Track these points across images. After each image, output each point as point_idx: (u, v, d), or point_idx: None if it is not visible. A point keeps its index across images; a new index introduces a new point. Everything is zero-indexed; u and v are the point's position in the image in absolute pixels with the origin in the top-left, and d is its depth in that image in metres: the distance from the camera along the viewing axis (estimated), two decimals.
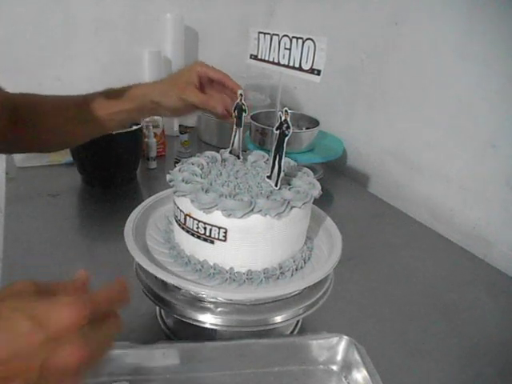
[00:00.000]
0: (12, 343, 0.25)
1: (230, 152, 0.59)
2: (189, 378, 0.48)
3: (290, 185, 0.52)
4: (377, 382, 0.45)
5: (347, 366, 0.49)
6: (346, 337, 0.50)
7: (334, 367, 0.50)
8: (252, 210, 0.46)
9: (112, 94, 0.61)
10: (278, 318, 0.48)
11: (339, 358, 0.50)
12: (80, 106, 0.62)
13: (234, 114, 0.57)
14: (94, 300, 0.29)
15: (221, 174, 0.54)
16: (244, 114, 0.56)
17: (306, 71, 0.45)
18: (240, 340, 0.48)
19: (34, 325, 0.25)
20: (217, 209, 0.46)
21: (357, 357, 0.48)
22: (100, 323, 0.29)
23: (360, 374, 0.47)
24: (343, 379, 0.49)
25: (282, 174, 0.49)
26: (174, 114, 0.63)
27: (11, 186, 0.95)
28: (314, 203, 0.54)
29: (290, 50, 0.47)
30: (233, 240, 0.47)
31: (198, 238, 0.49)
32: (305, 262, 0.54)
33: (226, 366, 0.48)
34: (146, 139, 1.04)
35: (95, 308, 0.28)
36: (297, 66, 0.46)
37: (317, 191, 0.52)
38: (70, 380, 0.27)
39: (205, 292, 0.46)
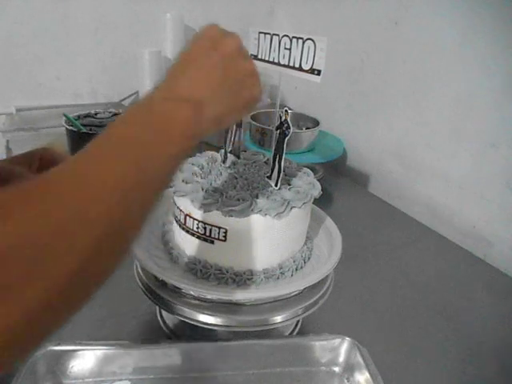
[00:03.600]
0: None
1: (230, 152, 0.59)
2: (190, 377, 0.48)
3: (290, 185, 0.52)
4: None
5: (349, 368, 0.49)
6: (348, 338, 0.50)
7: (337, 369, 0.50)
8: (252, 210, 0.46)
9: None
10: (278, 318, 0.48)
11: (341, 359, 0.50)
12: None
13: None
14: None
15: (221, 173, 0.54)
16: None
17: (306, 71, 0.45)
18: (242, 340, 0.48)
19: (209, 46, 0.36)
20: (217, 209, 0.46)
21: (359, 359, 0.48)
22: None
23: (362, 376, 0.47)
24: (345, 381, 0.49)
25: (281, 174, 0.49)
26: None
27: None
28: (314, 203, 0.54)
29: (290, 49, 0.47)
30: (233, 240, 0.47)
31: (198, 238, 0.49)
32: (305, 262, 0.54)
33: (227, 367, 0.48)
34: None
35: None
36: (297, 66, 0.46)
37: (317, 191, 0.52)
38: (253, 82, 0.39)
39: (205, 292, 0.46)
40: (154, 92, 0.33)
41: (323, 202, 0.56)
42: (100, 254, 0.24)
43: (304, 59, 0.45)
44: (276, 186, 0.50)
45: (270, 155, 0.51)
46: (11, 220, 0.21)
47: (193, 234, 0.49)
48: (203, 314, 0.47)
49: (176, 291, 0.48)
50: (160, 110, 0.31)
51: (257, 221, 0.46)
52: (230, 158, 0.58)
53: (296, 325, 0.58)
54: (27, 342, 0.22)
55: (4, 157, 1.06)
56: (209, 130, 0.35)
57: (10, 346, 0.21)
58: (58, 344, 0.45)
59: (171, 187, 0.51)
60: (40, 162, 0.43)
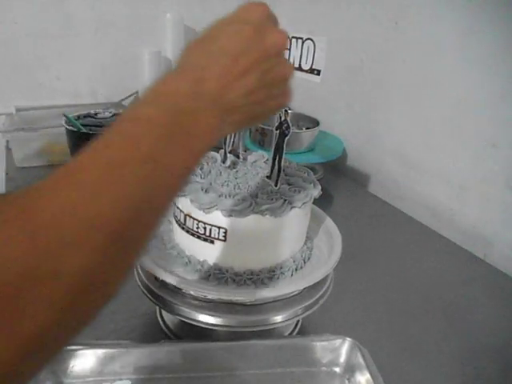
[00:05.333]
0: (241, 44, 0.30)
1: (230, 152, 0.59)
2: (191, 377, 0.48)
3: (290, 185, 0.52)
4: None
5: (350, 369, 0.49)
6: (349, 339, 0.50)
7: (337, 369, 0.50)
8: (252, 210, 0.46)
9: None
10: (278, 318, 0.48)
11: (342, 360, 0.50)
12: None
13: None
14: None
15: (221, 173, 0.54)
16: None
17: (306, 71, 0.45)
18: (242, 341, 0.48)
19: (256, 36, 0.31)
20: (217, 209, 0.46)
21: (360, 359, 0.48)
22: None
23: (363, 377, 0.47)
24: (346, 381, 0.49)
25: (281, 174, 0.49)
26: None
27: (11, 185, 0.95)
28: (314, 203, 0.54)
29: (289, 49, 0.47)
30: (233, 240, 0.47)
31: (198, 238, 0.49)
32: (305, 262, 0.54)
33: (227, 367, 0.48)
34: None
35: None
36: (297, 65, 0.46)
37: (317, 191, 0.52)
38: (284, 88, 0.34)
39: (205, 292, 0.46)
40: (180, 80, 0.28)
41: (323, 202, 0.56)
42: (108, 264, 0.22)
43: (304, 59, 0.45)
44: (276, 185, 0.50)
45: (269, 155, 0.51)
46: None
47: (193, 234, 0.49)
48: (203, 314, 0.47)
49: (176, 291, 0.48)
50: (186, 110, 0.27)
51: (257, 221, 0.46)
52: (230, 157, 0.58)
53: (296, 325, 0.58)
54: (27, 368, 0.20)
55: (4, 157, 1.06)
56: (228, 133, 0.33)
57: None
58: None
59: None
60: None
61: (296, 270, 0.52)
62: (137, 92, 1.25)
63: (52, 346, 0.21)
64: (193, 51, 0.31)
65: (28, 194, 0.21)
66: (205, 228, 0.48)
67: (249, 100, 0.31)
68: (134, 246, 0.24)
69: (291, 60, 0.47)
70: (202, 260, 0.50)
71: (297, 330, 0.58)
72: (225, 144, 0.56)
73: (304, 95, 1.32)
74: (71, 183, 0.22)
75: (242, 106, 0.30)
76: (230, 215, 0.46)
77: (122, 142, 0.24)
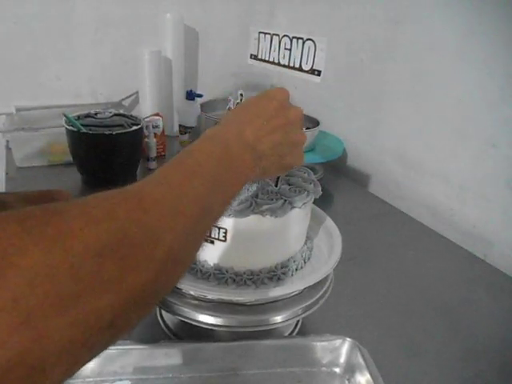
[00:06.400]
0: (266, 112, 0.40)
1: None
2: (191, 377, 0.48)
3: (290, 185, 0.52)
4: None
5: (350, 369, 0.49)
6: (349, 339, 0.50)
7: (337, 369, 0.50)
8: (252, 210, 0.46)
9: None
10: (278, 318, 0.48)
11: (342, 360, 0.50)
12: None
13: None
14: None
15: None
16: None
17: (307, 71, 0.45)
18: (242, 341, 0.48)
19: (281, 108, 0.41)
20: None
21: (360, 360, 0.48)
22: None
23: (363, 377, 0.47)
24: (346, 382, 0.49)
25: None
26: None
27: (11, 185, 0.95)
28: (314, 203, 0.54)
29: (290, 50, 0.47)
30: (233, 240, 0.47)
31: None
32: (305, 262, 0.54)
33: (227, 367, 0.48)
34: (146, 139, 1.04)
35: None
36: (297, 66, 0.46)
37: (317, 191, 0.52)
38: (299, 151, 0.43)
39: (205, 292, 0.46)
40: (225, 133, 0.36)
41: (323, 202, 0.56)
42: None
43: (304, 59, 0.45)
44: (276, 186, 0.50)
45: None
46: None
47: None
48: (203, 314, 0.47)
49: (176, 291, 0.48)
50: (234, 151, 0.35)
51: (257, 221, 0.46)
52: None
53: (296, 325, 0.58)
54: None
55: (4, 157, 1.06)
56: (258, 176, 0.40)
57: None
58: None
59: None
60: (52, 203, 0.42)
61: (296, 269, 0.52)
62: (137, 92, 1.25)
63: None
64: (233, 113, 0.41)
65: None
66: None
67: (274, 151, 0.40)
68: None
69: (291, 60, 0.47)
70: (202, 260, 0.50)
71: (297, 330, 0.58)
72: None
73: (304, 95, 1.32)
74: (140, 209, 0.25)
75: (269, 156, 0.39)
76: (230, 215, 0.46)
77: (184, 169, 0.32)
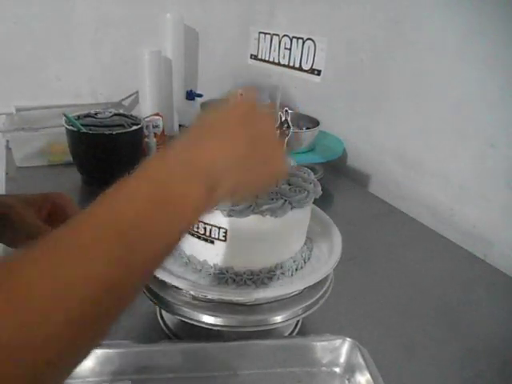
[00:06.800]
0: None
1: None
2: (190, 377, 0.48)
3: (290, 185, 0.52)
4: None
5: (350, 369, 0.49)
6: (349, 339, 0.50)
7: (337, 369, 0.50)
8: (252, 210, 0.46)
9: None
10: (278, 318, 0.48)
11: (342, 360, 0.50)
12: None
13: None
14: None
15: None
16: None
17: (307, 71, 0.45)
18: (242, 341, 0.48)
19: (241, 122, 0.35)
20: (217, 209, 0.46)
21: (360, 360, 0.48)
22: None
23: (363, 377, 0.47)
24: (346, 382, 0.49)
25: None
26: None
27: (11, 185, 0.95)
28: (314, 203, 0.54)
29: (290, 50, 0.47)
30: (233, 240, 0.47)
31: (198, 238, 0.49)
32: (305, 262, 0.54)
33: (227, 367, 0.48)
34: (146, 139, 1.04)
35: None
36: (297, 66, 0.46)
37: (317, 191, 0.52)
38: (278, 163, 0.39)
39: (205, 292, 0.46)
40: (169, 158, 0.31)
41: (323, 202, 0.56)
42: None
43: (304, 59, 0.45)
44: (276, 185, 0.50)
45: None
46: None
47: (193, 234, 0.49)
48: (203, 314, 0.47)
49: (176, 291, 0.48)
50: (175, 185, 0.29)
51: (257, 221, 0.46)
52: None
53: (296, 325, 0.58)
54: None
55: (4, 157, 1.06)
56: (221, 200, 0.34)
57: None
58: None
59: None
60: (52, 206, 0.44)
61: (296, 269, 0.52)
62: (137, 92, 1.25)
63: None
64: (186, 137, 0.33)
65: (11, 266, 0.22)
66: (205, 228, 0.48)
67: (240, 170, 0.34)
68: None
69: (291, 60, 0.47)
70: (202, 260, 0.50)
71: (297, 330, 0.58)
72: None
73: (304, 95, 1.32)
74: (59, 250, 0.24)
75: (233, 176, 0.33)
76: (230, 215, 0.46)
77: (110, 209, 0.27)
